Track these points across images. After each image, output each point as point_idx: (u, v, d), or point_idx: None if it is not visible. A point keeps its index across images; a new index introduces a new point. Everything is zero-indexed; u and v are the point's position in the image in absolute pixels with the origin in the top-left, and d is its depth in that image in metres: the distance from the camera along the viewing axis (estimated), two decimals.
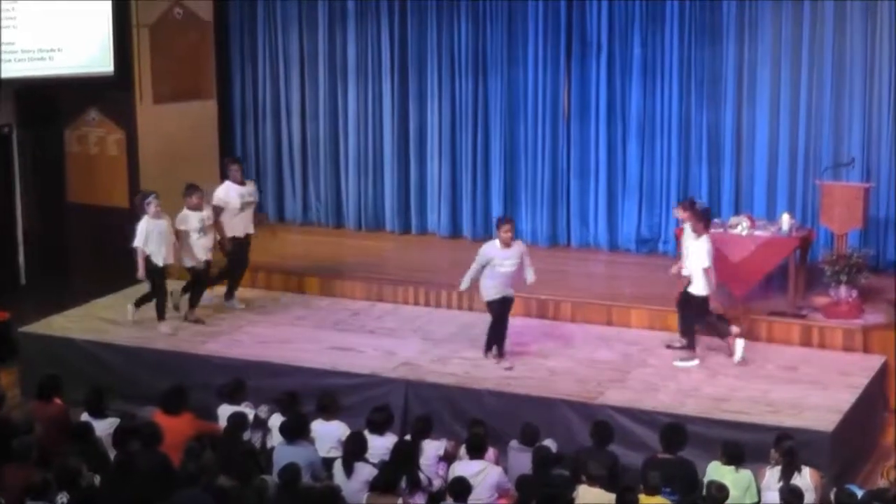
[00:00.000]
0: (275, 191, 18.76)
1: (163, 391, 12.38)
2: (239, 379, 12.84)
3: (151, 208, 14.59)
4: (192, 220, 14.90)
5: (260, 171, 18.71)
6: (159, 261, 14.63)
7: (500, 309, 13.89)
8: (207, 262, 15.06)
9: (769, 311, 14.64)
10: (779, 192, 16.27)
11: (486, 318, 13.94)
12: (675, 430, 11.54)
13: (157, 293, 14.86)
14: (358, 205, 18.29)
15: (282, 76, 18.46)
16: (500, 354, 13.91)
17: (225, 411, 12.34)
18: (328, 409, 12.23)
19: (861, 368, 13.61)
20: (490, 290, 13.84)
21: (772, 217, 15.58)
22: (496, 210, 17.48)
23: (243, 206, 15.33)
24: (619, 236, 17.18)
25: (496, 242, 13.80)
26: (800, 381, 13.36)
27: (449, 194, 17.83)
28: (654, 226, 16.94)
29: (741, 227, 14.90)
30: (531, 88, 17.23)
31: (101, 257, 17.28)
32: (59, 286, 17.03)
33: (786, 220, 14.86)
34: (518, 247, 13.86)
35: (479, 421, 12.01)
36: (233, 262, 15.56)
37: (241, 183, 15.38)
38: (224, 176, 15.55)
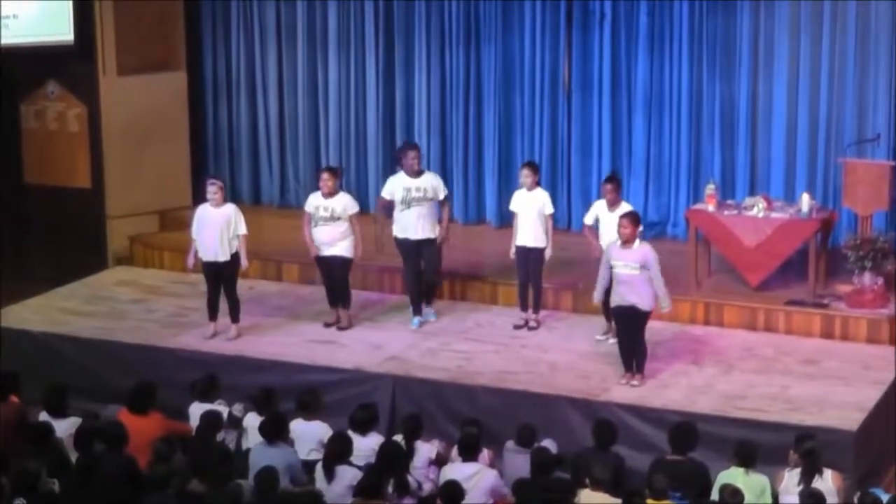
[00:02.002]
0: (250, 171, 18.67)
1: (129, 388, 12.35)
2: (212, 375, 12.83)
3: (208, 194, 14.30)
4: (311, 203, 14.52)
5: (234, 150, 18.64)
6: (206, 254, 14.25)
7: (618, 319, 13.22)
8: (340, 259, 14.46)
9: (788, 299, 14.64)
10: (798, 171, 16.26)
11: (479, 309, 13.81)
12: (685, 430, 11.53)
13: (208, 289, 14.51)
14: (340, 185, 18.21)
15: (257, 46, 18.37)
16: (627, 370, 13.16)
17: (197, 410, 12.32)
18: (309, 408, 12.20)
19: (887, 362, 13.59)
20: (613, 295, 13.14)
21: (790, 198, 15.59)
22: (489, 190, 17.46)
23: (409, 202, 14.45)
24: None
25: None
26: (821, 376, 13.36)
27: (438, 173, 17.71)
28: (663, 207, 16.92)
29: (757, 208, 14.89)
30: (528, 59, 17.19)
31: (62, 242, 17.26)
32: (16, 274, 16.96)
33: (805, 201, 14.86)
34: (642, 251, 12.92)
35: (472, 420, 12.00)
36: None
37: (416, 173, 14.59)
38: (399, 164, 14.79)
